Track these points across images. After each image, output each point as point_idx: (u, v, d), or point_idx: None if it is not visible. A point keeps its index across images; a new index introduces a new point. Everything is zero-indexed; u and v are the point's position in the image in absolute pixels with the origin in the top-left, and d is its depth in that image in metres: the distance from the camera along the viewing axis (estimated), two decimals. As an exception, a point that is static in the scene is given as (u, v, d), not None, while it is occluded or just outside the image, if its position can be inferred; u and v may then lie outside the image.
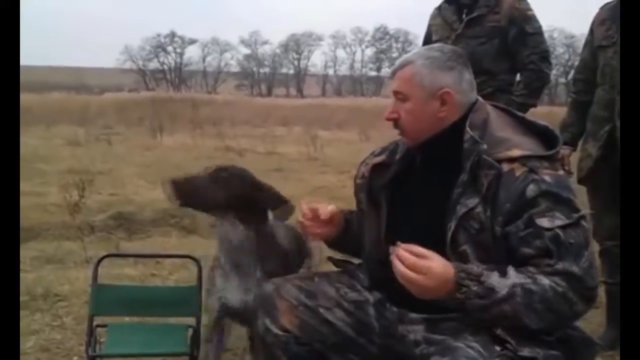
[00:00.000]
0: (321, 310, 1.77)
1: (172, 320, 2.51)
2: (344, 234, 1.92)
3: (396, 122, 1.75)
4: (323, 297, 1.80)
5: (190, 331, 2.32)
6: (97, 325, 2.33)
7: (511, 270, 1.50)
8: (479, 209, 1.58)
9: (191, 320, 2.35)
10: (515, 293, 1.47)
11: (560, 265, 1.50)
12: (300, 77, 60.32)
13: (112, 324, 2.40)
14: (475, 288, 1.48)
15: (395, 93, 1.74)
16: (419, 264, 1.48)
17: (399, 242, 1.53)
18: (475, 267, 1.51)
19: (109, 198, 6.24)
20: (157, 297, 2.37)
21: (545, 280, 1.49)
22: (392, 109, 1.75)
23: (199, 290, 2.32)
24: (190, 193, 2.10)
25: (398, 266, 1.49)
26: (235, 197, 2.12)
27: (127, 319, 2.72)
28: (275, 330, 1.76)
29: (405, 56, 1.78)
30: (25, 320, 3.04)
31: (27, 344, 2.79)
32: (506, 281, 1.48)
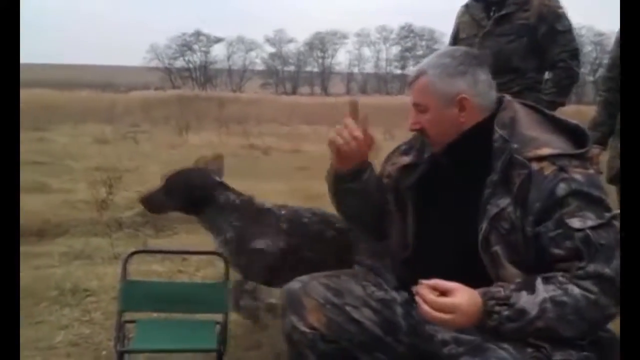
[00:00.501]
0: (348, 308, 1.77)
1: (198, 316, 2.53)
2: (364, 174, 1.82)
3: (421, 131, 1.75)
4: (350, 295, 1.79)
5: (218, 327, 2.33)
6: (126, 321, 2.36)
7: (540, 284, 1.48)
8: (510, 209, 1.56)
9: (218, 317, 2.37)
10: (547, 309, 1.45)
11: (591, 268, 1.47)
12: (325, 75, 60.28)
13: (141, 320, 2.42)
14: (506, 313, 1.46)
15: (414, 105, 1.73)
16: (446, 303, 1.46)
17: (420, 280, 1.50)
18: (502, 290, 1.49)
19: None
20: (186, 294, 2.38)
21: (576, 290, 1.46)
22: (414, 120, 1.74)
23: (227, 287, 2.33)
24: (153, 207, 2.66)
25: (424, 308, 1.47)
26: (187, 203, 2.61)
27: (154, 314, 2.75)
28: (302, 328, 1.75)
29: (418, 66, 1.77)
30: (55, 315, 3.09)
31: (56, 338, 2.83)
32: (535, 298, 1.46)
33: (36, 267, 3.86)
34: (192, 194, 2.58)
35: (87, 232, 4.90)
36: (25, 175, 7.09)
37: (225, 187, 2.66)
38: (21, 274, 3.68)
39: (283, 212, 2.66)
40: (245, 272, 2.66)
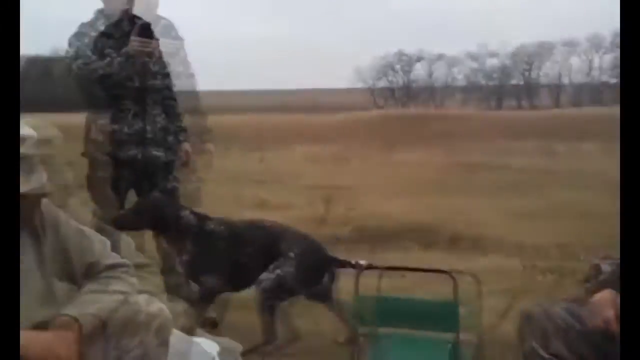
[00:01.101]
0: (592, 336, 1.68)
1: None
2: None
3: None
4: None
5: (449, 347, 2.32)
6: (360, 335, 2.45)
7: None
8: None
9: (449, 336, 2.36)
10: None
11: None
12: (531, 88, 57.68)
13: (376, 336, 2.48)
14: None
15: None
16: None
17: None
18: None
19: (350, 212, 6.53)
20: (417, 311, 2.41)
21: None
22: None
23: (458, 306, 2.33)
24: (124, 224, 2.96)
25: None
26: (153, 223, 3.02)
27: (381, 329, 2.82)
28: (543, 353, 1.71)
29: None
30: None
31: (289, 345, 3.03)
32: None
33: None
34: (158, 214, 2.99)
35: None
36: (248, 192, 7.73)
37: (192, 212, 3.03)
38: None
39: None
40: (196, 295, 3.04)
